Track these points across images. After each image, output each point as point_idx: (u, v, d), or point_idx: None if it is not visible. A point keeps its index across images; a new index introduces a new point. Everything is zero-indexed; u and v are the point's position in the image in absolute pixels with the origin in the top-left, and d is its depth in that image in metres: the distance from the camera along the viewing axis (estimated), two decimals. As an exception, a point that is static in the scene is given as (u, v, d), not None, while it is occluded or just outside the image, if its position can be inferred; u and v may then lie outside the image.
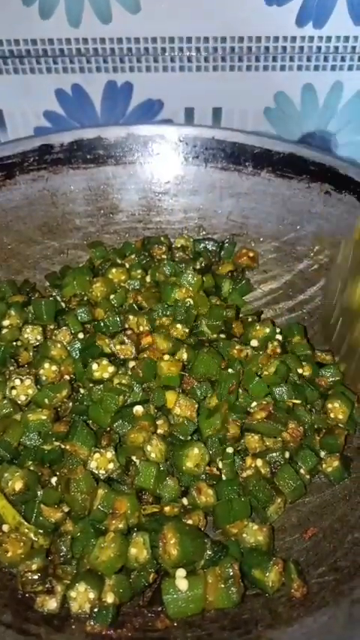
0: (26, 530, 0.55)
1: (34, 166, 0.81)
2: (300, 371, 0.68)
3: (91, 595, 0.51)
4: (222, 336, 0.72)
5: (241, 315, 0.77)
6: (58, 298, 0.75)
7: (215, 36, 0.94)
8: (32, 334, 0.70)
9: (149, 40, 0.95)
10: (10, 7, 0.91)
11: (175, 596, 0.51)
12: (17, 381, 0.64)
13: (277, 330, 0.72)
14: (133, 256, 0.81)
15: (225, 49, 0.96)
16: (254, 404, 0.65)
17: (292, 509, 0.62)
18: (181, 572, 0.52)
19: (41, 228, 0.82)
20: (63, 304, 0.75)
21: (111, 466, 0.59)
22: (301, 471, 0.62)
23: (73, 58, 0.98)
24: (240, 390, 0.65)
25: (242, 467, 0.62)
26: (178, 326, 0.70)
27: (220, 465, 0.61)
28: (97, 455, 0.59)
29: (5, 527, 0.56)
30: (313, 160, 0.79)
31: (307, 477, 0.63)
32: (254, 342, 0.70)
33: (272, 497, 0.59)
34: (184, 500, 0.59)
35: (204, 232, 0.86)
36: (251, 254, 0.82)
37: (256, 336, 0.71)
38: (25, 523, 0.56)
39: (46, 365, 0.66)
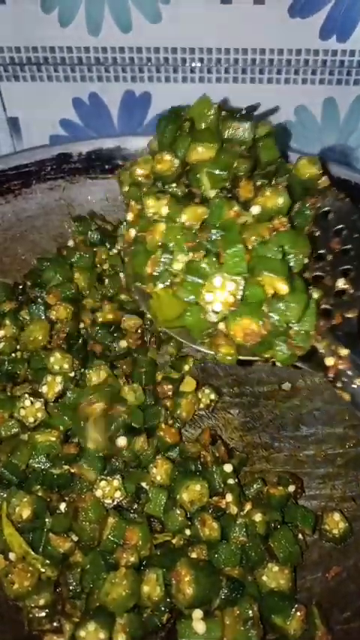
0: (33, 561, 0.52)
1: (52, 175, 0.79)
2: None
3: (102, 635, 0.48)
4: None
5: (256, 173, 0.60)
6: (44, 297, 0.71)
7: (236, 47, 0.92)
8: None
9: (169, 51, 0.93)
10: (29, 14, 0.90)
11: (192, 639, 0.48)
12: (27, 402, 0.61)
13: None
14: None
15: (246, 61, 0.94)
16: None
17: (313, 545, 0.59)
18: (198, 614, 0.49)
19: (57, 239, 0.79)
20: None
21: (118, 494, 0.56)
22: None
23: (91, 67, 0.96)
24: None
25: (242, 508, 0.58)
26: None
27: (227, 499, 0.58)
28: (103, 483, 0.56)
29: (12, 557, 0.53)
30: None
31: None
32: (256, 209, 0.53)
33: (263, 561, 0.55)
34: (187, 532, 0.57)
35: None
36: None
37: (263, 204, 0.53)
38: (33, 553, 0.53)
39: (48, 378, 0.63)
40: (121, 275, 0.76)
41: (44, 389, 0.63)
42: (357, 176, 0.76)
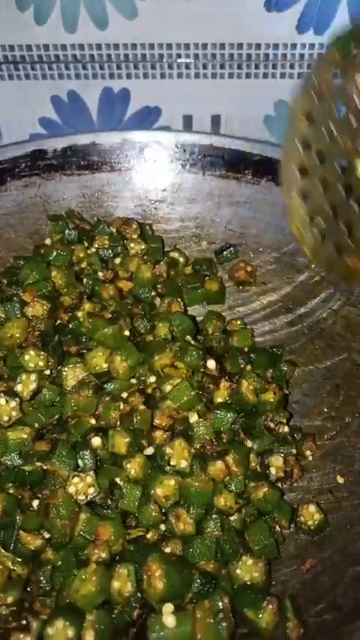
0: (3, 559, 0.52)
1: (26, 172, 0.78)
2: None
3: (70, 633, 0.48)
4: None
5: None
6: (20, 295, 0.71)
7: (214, 42, 0.92)
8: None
9: (146, 47, 0.93)
10: (5, 13, 0.89)
11: (162, 633, 0.47)
12: (2, 401, 0.60)
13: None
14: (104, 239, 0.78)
15: (224, 56, 0.94)
16: None
17: (290, 538, 0.58)
18: (168, 608, 0.48)
19: (32, 237, 0.79)
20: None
21: (91, 490, 0.56)
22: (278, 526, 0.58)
23: (68, 65, 0.96)
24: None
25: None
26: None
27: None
28: (76, 479, 0.56)
29: (-19, 555, 0.52)
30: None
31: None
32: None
33: (238, 554, 0.54)
34: (162, 527, 0.56)
35: (204, 242, 0.83)
36: (249, 268, 0.79)
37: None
38: (3, 551, 0.52)
39: (23, 377, 0.63)
40: (99, 274, 0.76)
41: (19, 387, 0.62)
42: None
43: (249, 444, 0.62)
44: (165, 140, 0.81)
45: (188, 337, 0.69)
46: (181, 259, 0.80)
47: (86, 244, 0.78)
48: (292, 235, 0.78)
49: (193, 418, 0.60)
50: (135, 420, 0.60)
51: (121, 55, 0.94)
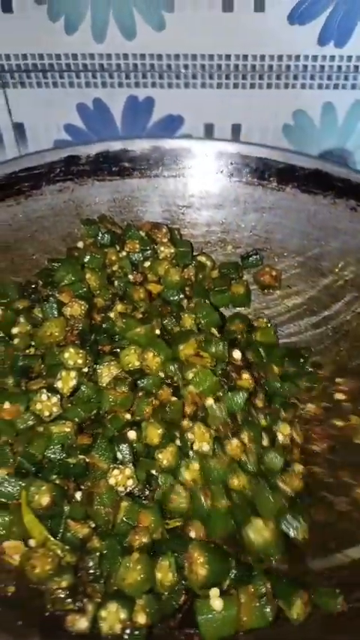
0: (53, 547, 0.54)
1: (60, 177, 0.80)
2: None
3: (122, 615, 0.50)
4: None
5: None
6: (57, 295, 0.73)
7: (237, 54, 0.95)
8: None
9: (172, 57, 0.96)
10: (36, 22, 0.92)
11: (210, 616, 0.49)
12: (44, 397, 0.63)
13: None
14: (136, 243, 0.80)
15: (246, 67, 0.97)
16: None
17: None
18: (215, 592, 0.50)
19: (65, 239, 0.81)
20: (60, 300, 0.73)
21: (130, 482, 0.58)
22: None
23: (95, 73, 0.99)
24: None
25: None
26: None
27: None
28: (115, 472, 0.58)
29: (32, 543, 0.54)
30: (339, 176, 0.79)
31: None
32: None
33: (249, 517, 0.57)
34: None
35: (229, 247, 0.86)
36: (274, 273, 0.82)
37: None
38: (52, 539, 0.54)
39: (63, 374, 0.65)
40: (130, 277, 0.78)
41: (59, 384, 0.65)
42: (357, 176, 0.79)
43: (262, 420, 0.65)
44: (194, 148, 0.84)
45: (213, 329, 0.71)
46: (209, 263, 0.83)
47: (117, 248, 0.81)
48: (316, 240, 0.82)
49: (209, 402, 0.63)
50: (168, 411, 0.62)
51: (147, 65, 0.97)
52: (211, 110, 1.01)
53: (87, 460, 0.59)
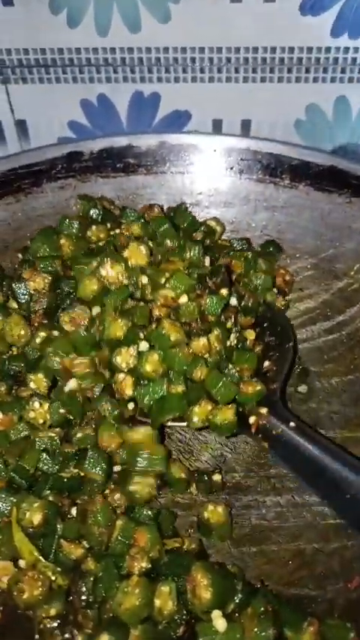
0: (44, 568, 0.50)
1: (62, 174, 0.77)
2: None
3: (115, 648, 0.46)
4: None
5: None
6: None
7: (246, 46, 0.91)
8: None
9: (179, 50, 0.93)
10: (38, 16, 0.89)
11: (213, 638, 0.45)
12: (36, 404, 0.59)
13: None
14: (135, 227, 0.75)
15: (257, 60, 0.93)
16: None
17: (333, 554, 0.56)
18: (217, 613, 0.47)
19: (67, 238, 0.78)
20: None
21: (48, 417, 0.59)
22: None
23: (99, 68, 0.95)
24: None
25: None
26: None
27: None
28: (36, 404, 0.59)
29: (22, 564, 0.51)
30: (356, 174, 0.75)
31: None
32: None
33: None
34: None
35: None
36: (287, 277, 0.77)
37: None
38: (43, 560, 0.51)
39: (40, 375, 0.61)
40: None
41: (32, 385, 0.61)
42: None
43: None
44: (202, 143, 0.80)
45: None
46: (218, 228, 0.79)
47: (109, 225, 0.75)
48: (330, 241, 0.78)
49: (183, 299, 0.63)
50: (135, 315, 0.62)
51: (152, 59, 0.94)
52: (220, 105, 0.98)
53: (81, 474, 0.55)
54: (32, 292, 0.66)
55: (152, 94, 0.97)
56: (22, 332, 0.64)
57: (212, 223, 0.79)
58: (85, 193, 0.79)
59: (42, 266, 0.68)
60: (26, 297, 0.66)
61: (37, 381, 0.61)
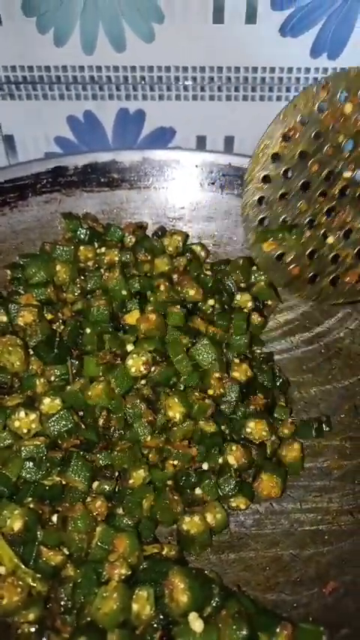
0: (24, 575, 0.51)
1: (47, 188, 0.79)
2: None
3: (92, 652, 0.46)
4: None
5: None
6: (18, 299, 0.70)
7: (229, 66, 0.94)
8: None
9: (163, 69, 0.95)
10: (25, 34, 0.91)
11: (190, 639, 0.46)
12: (22, 414, 0.60)
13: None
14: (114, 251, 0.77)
15: (239, 79, 0.96)
16: None
17: (309, 560, 0.58)
18: (193, 615, 0.48)
19: (52, 252, 0.79)
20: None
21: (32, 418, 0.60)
22: None
23: (86, 86, 0.98)
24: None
25: None
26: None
27: None
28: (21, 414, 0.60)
29: (1, 570, 0.51)
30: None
31: None
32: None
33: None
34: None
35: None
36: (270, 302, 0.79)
37: None
38: (23, 567, 0.51)
39: (47, 400, 0.62)
40: (102, 271, 0.75)
41: (43, 408, 0.62)
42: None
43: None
44: (184, 159, 0.82)
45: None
46: (203, 253, 0.81)
47: (96, 245, 0.78)
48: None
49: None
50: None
51: (137, 77, 0.96)
52: (203, 122, 1.00)
53: (63, 482, 0.56)
54: (25, 327, 0.67)
55: (137, 110, 0.99)
56: (19, 364, 0.64)
57: (197, 248, 0.81)
58: (69, 212, 0.81)
59: (36, 293, 0.70)
60: (19, 317, 0.67)
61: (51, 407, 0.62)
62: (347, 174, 0.57)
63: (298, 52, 0.92)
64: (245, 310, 0.74)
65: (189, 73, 0.95)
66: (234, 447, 0.62)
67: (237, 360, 0.69)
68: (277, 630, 0.47)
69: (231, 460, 0.62)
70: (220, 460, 0.62)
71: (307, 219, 0.59)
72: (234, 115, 0.99)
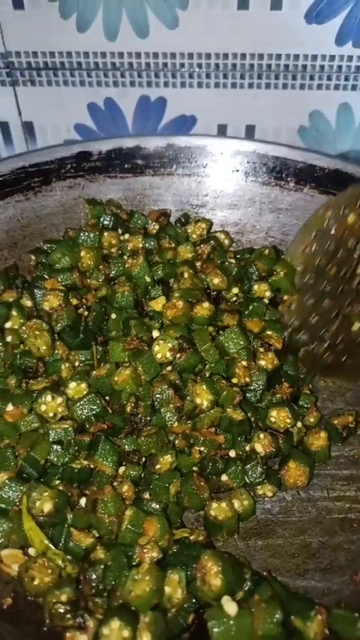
0: (54, 556, 0.51)
1: (71, 173, 0.78)
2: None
3: (126, 633, 0.46)
4: None
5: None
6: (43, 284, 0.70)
7: (252, 53, 0.93)
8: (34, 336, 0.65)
9: (185, 56, 0.94)
10: (47, 19, 0.91)
11: (223, 622, 0.45)
12: (49, 398, 0.60)
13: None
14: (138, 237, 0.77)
15: (262, 67, 0.95)
16: None
17: (338, 547, 0.57)
18: (226, 598, 0.47)
19: (75, 237, 0.79)
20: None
21: (60, 410, 0.60)
22: None
23: (107, 72, 0.97)
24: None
25: None
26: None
27: None
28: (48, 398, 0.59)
29: (32, 552, 0.51)
30: (360, 177, 0.76)
31: None
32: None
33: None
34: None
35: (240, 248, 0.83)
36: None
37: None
38: (53, 548, 0.51)
39: (73, 384, 0.62)
40: (125, 257, 0.75)
41: (69, 393, 0.62)
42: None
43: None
44: (209, 145, 0.82)
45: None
46: (227, 241, 0.80)
47: (120, 232, 0.78)
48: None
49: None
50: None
51: (159, 64, 0.95)
52: (225, 111, 0.99)
53: (91, 466, 0.56)
54: (50, 311, 0.66)
55: (158, 98, 0.98)
56: (45, 348, 0.64)
57: (221, 236, 0.81)
58: (92, 197, 0.81)
59: (61, 278, 0.70)
60: (45, 301, 0.67)
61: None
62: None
63: (323, 39, 0.91)
64: (264, 300, 0.74)
65: (212, 60, 0.94)
66: (262, 435, 0.61)
67: (262, 349, 0.68)
68: (312, 615, 0.47)
69: (258, 448, 0.61)
70: (248, 447, 0.62)
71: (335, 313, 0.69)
72: (256, 104, 0.98)
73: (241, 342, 0.66)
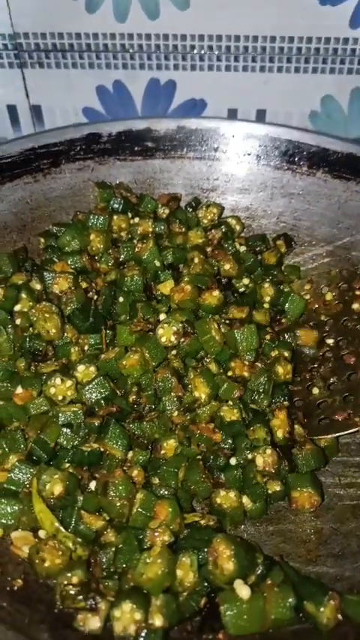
0: (64, 539, 0.50)
1: (81, 155, 0.77)
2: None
3: (138, 616, 0.46)
4: None
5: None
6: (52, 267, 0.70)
7: (264, 35, 0.92)
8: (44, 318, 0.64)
9: (196, 38, 0.93)
10: (56, 0, 0.89)
11: (235, 606, 0.45)
12: (58, 381, 0.59)
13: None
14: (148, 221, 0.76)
15: (274, 49, 0.93)
16: None
17: (350, 534, 0.56)
18: (239, 581, 0.47)
19: (84, 221, 0.78)
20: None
21: (69, 393, 0.60)
22: None
23: (116, 54, 0.95)
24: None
25: None
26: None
27: None
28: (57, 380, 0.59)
29: (42, 534, 0.51)
30: (374, 161, 0.75)
31: None
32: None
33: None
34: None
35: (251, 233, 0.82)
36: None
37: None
38: (64, 530, 0.51)
39: (81, 367, 0.61)
40: (135, 241, 0.74)
41: (78, 376, 0.61)
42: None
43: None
44: (221, 128, 0.80)
45: None
46: (238, 227, 0.79)
47: (130, 215, 0.77)
48: (346, 229, 0.78)
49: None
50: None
51: (169, 46, 0.94)
52: (236, 94, 0.98)
53: (101, 449, 0.55)
54: (60, 294, 0.66)
55: (168, 81, 0.97)
56: (55, 331, 0.63)
57: (232, 222, 0.80)
58: (102, 180, 0.80)
59: (70, 261, 0.69)
60: (54, 284, 0.66)
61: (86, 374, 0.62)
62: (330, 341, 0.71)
63: (336, 22, 0.89)
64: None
65: (223, 43, 0.93)
66: (268, 451, 0.59)
67: (283, 358, 0.67)
68: (325, 600, 0.46)
69: (258, 461, 0.58)
70: (250, 456, 0.59)
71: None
72: (267, 87, 0.97)
73: (254, 344, 0.64)
